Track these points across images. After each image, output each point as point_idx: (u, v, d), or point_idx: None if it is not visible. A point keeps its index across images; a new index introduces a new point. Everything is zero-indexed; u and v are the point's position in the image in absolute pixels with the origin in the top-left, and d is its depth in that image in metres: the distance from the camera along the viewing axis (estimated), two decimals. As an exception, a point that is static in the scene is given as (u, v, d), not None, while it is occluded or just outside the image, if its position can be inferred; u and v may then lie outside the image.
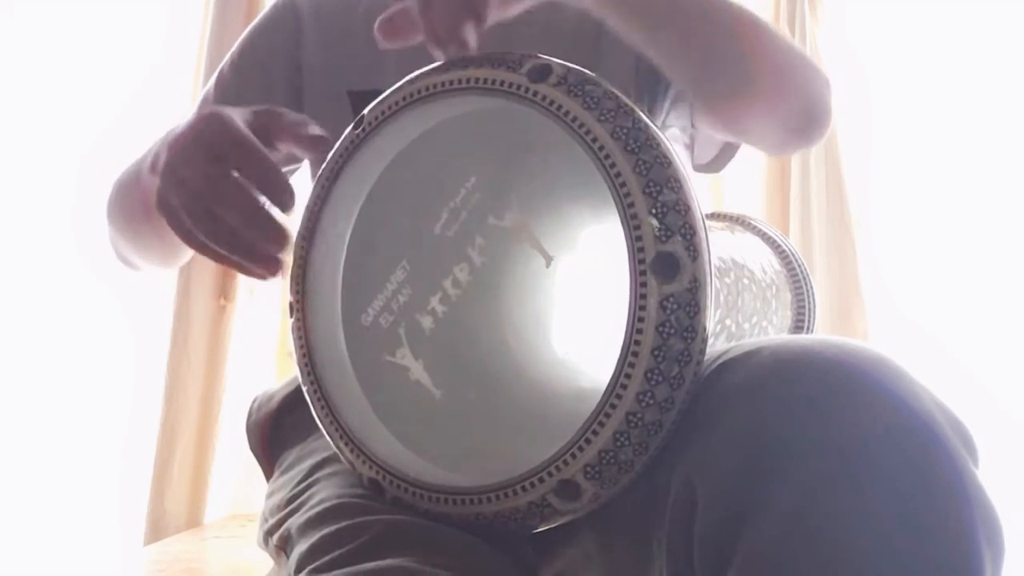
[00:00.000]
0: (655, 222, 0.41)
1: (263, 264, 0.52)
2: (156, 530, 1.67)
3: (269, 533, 0.63)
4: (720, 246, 0.67)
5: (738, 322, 0.63)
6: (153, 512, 1.68)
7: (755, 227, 0.78)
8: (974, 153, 1.76)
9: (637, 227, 0.41)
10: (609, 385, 0.42)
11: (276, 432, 0.77)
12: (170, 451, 1.70)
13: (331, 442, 0.54)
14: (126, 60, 1.88)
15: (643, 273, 0.41)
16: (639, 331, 0.41)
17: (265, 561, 0.69)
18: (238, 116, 0.53)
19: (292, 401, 0.75)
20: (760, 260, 0.71)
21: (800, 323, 0.76)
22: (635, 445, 0.42)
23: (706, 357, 0.45)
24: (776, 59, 0.66)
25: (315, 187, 0.55)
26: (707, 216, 0.80)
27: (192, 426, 1.72)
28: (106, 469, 1.73)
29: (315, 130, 0.54)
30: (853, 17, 1.84)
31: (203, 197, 0.50)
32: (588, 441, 0.42)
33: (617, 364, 0.42)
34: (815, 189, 1.74)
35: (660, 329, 0.41)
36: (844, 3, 1.84)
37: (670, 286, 0.41)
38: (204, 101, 0.82)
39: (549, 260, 0.52)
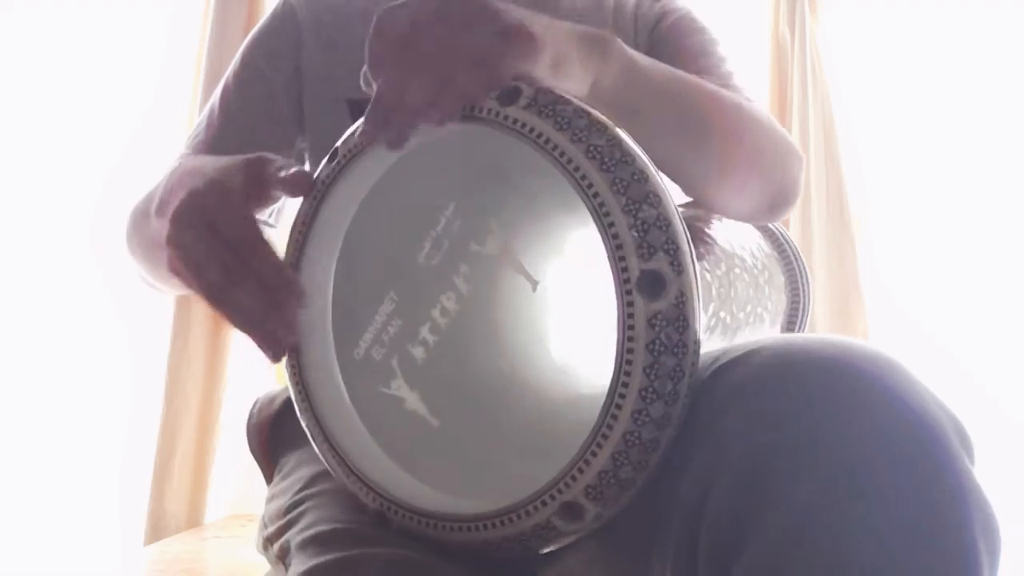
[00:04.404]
0: (636, 239, 0.41)
1: (271, 348, 0.52)
2: (156, 530, 1.67)
3: (269, 541, 0.63)
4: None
5: (732, 312, 0.63)
6: (153, 512, 1.68)
7: None
8: (974, 153, 1.76)
9: (619, 247, 0.41)
10: (604, 406, 0.42)
11: (277, 435, 0.77)
12: (170, 451, 1.70)
13: (334, 474, 0.54)
14: (126, 64, 1.88)
15: (629, 292, 0.41)
16: (630, 351, 0.41)
17: (264, 562, 0.69)
18: (235, 180, 0.52)
19: (293, 405, 0.75)
20: (750, 245, 0.71)
21: (795, 304, 0.76)
22: (634, 463, 0.42)
23: (702, 357, 0.45)
24: (757, 146, 0.65)
25: (296, 221, 0.54)
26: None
27: (192, 426, 1.72)
28: (106, 469, 1.74)
29: (295, 170, 0.53)
30: (853, 17, 1.84)
31: (216, 281, 0.50)
32: (587, 463, 0.42)
33: (610, 385, 0.42)
34: (815, 189, 1.74)
35: (650, 347, 0.41)
36: (844, 3, 1.84)
37: (657, 303, 0.41)
38: (210, 116, 0.83)
39: (535, 284, 0.52)
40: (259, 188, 0.53)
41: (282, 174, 0.53)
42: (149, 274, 0.77)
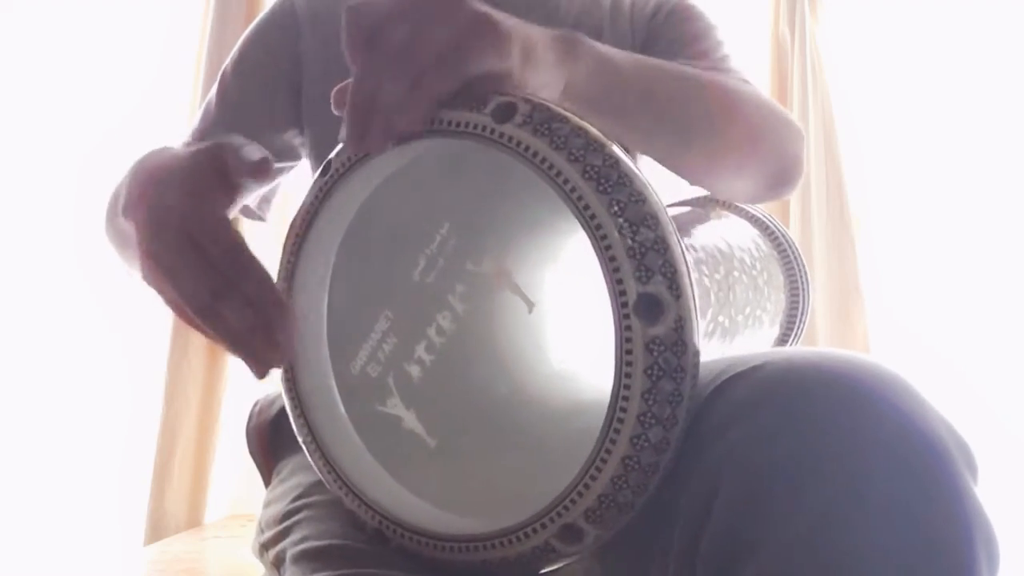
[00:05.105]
0: (634, 263, 0.40)
1: (258, 368, 0.48)
2: (156, 530, 1.67)
3: (265, 547, 0.63)
4: (708, 237, 0.66)
5: (731, 316, 0.63)
6: (153, 512, 1.68)
7: (741, 208, 0.77)
8: (974, 153, 1.76)
9: (616, 269, 0.40)
10: (602, 430, 0.41)
11: (276, 438, 0.77)
12: (170, 451, 1.70)
13: (332, 490, 0.53)
14: (126, 62, 1.88)
15: (626, 316, 0.40)
16: (627, 375, 0.40)
17: (264, 561, 0.69)
18: (203, 180, 0.49)
19: None
20: (748, 245, 0.71)
21: (795, 303, 0.76)
22: (634, 487, 0.42)
23: (704, 366, 0.45)
24: (750, 125, 0.64)
25: (288, 236, 0.53)
26: (693, 200, 0.79)
27: (192, 426, 1.72)
28: (106, 469, 1.74)
29: (255, 154, 0.51)
30: (853, 17, 1.84)
31: (197, 295, 0.47)
32: (587, 486, 0.42)
33: (608, 409, 0.41)
34: (815, 189, 1.74)
35: (648, 372, 0.40)
36: (844, 3, 1.84)
37: (655, 328, 0.40)
38: (207, 105, 0.83)
39: (531, 306, 0.51)
40: (227, 183, 0.50)
41: (246, 162, 0.50)
42: (121, 258, 0.77)
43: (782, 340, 0.76)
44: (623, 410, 0.41)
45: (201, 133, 0.81)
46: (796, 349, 0.61)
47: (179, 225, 0.47)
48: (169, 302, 0.49)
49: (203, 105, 0.84)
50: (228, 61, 0.84)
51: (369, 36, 0.46)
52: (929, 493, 0.39)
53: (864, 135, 1.79)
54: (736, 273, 0.65)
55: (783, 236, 0.77)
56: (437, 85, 0.44)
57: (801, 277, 0.76)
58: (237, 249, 0.47)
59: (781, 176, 0.69)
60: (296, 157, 0.85)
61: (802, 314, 0.75)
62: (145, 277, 0.50)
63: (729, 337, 0.62)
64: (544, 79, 0.50)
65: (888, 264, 1.76)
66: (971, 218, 1.75)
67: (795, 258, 0.76)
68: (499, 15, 0.47)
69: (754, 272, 0.68)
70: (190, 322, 0.48)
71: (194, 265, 0.46)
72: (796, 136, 0.68)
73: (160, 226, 0.48)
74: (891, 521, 0.39)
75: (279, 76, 0.81)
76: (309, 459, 0.54)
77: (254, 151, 0.51)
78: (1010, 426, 1.58)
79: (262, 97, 0.81)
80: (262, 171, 0.50)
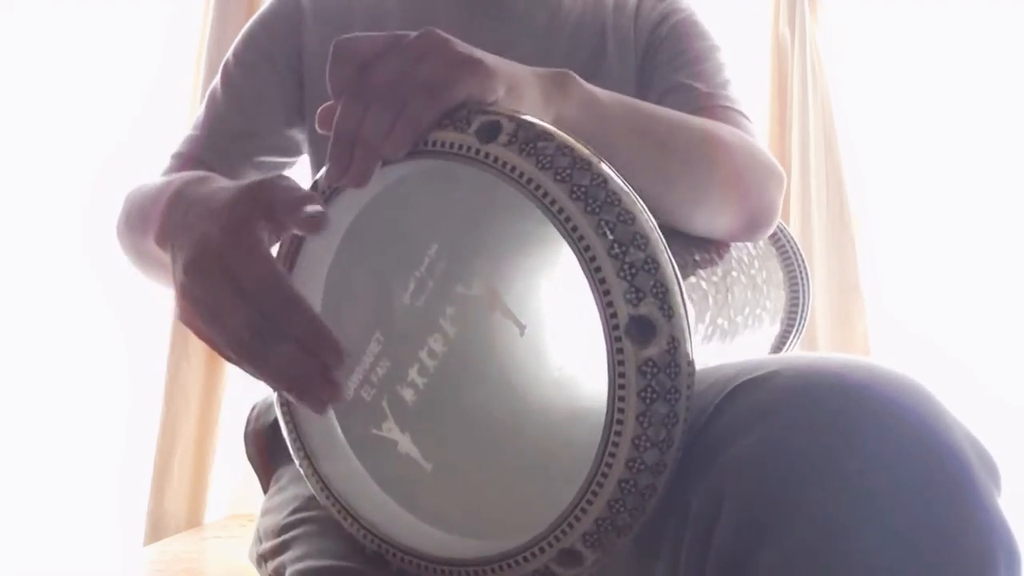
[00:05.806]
0: (624, 285, 0.39)
1: (313, 405, 0.47)
2: (156, 530, 1.67)
3: (263, 558, 0.63)
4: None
5: (730, 317, 0.62)
6: (153, 512, 1.68)
7: None
8: (974, 152, 1.77)
9: (607, 292, 0.40)
10: (598, 454, 0.41)
11: (274, 443, 0.77)
12: (170, 451, 1.70)
13: (332, 514, 0.53)
14: (127, 61, 1.88)
15: (618, 339, 0.40)
16: (621, 398, 0.40)
17: (264, 560, 0.69)
18: (250, 224, 0.46)
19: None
20: (747, 244, 0.70)
21: (795, 298, 0.75)
22: (631, 510, 0.41)
23: (710, 371, 0.44)
24: (733, 173, 0.64)
25: (277, 257, 0.52)
26: None
27: (192, 426, 1.72)
28: (106, 469, 1.73)
29: (312, 209, 0.48)
30: (853, 17, 1.84)
31: (243, 338, 0.45)
32: (584, 511, 0.42)
33: (603, 431, 0.41)
34: (815, 189, 1.74)
35: (642, 395, 0.40)
36: (844, 3, 1.84)
37: (647, 350, 0.39)
38: (212, 95, 0.83)
39: (523, 329, 0.51)
40: (272, 219, 0.48)
41: (302, 214, 0.47)
42: (138, 268, 0.76)
43: (784, 336, 0.75)
44: (618, 433, 0.40)
45: (208, 124, 0.81)
46: (809, 355, 0.60)
47: (219, 264, 0.45)
48: (209, 343, 0.47)
49: (207, 95, 0.83)
50: (231, 51, 0.84)
51: (356, 71, 0.46)
52: (948, 502, 0.39)
53: (864, 135, 1.79)
54: (735, 273, 0.64)
55: (781, 231, 0.76)
56: (422, 114, 0.45)
57: (801, 272, 0.75)
58: (279, 287, 0.45)
59: (756, 222, 0.68)
60: (299, 152, 0.85)
61: (803, 309, 0.75)
62: (183, 318, 0.48)
63: (729, 338, 0.62)
64: (533, 110, 0.50)
65: (888, 264, 1.76)
66: (970, 217, 1.75)
67: (794, 253, 0.75)
68: (485, 55, 0.48)
69: (752, 271, 0.67)
70: (234, 362, 0.47)
71: (235, 306, 0.45)
72: (777, 184, 0.68)
73: (200, 265, 0.46)
74: (909, 528, 0.38)
75: (282, 65, 0.81)
76: (307, 484, 0.54)
77: (301, 194, 0.49)
78: (1010, 426, 1.58)
79: (266, 83, 0.81)
80: (308, 206, 0.47)
